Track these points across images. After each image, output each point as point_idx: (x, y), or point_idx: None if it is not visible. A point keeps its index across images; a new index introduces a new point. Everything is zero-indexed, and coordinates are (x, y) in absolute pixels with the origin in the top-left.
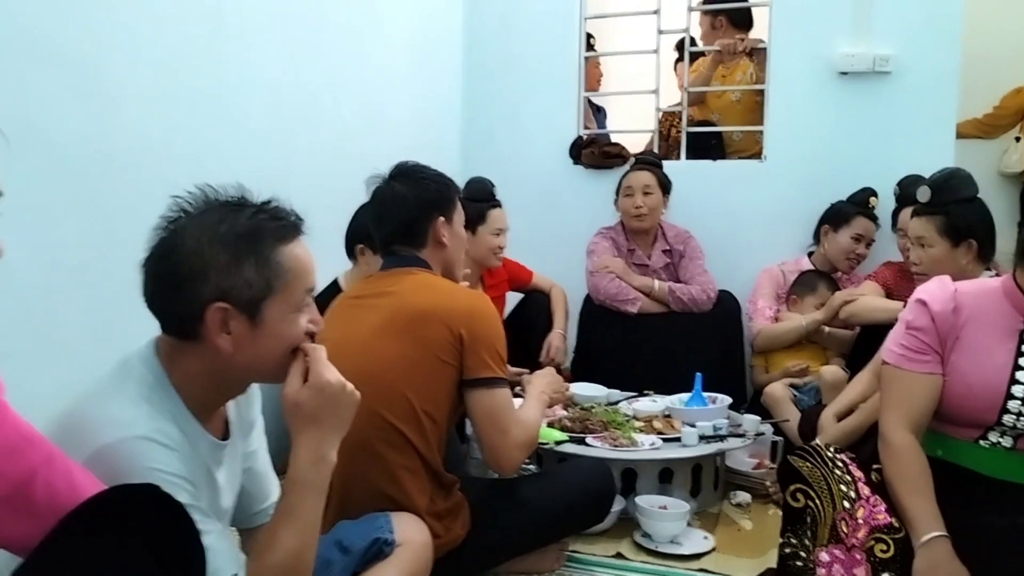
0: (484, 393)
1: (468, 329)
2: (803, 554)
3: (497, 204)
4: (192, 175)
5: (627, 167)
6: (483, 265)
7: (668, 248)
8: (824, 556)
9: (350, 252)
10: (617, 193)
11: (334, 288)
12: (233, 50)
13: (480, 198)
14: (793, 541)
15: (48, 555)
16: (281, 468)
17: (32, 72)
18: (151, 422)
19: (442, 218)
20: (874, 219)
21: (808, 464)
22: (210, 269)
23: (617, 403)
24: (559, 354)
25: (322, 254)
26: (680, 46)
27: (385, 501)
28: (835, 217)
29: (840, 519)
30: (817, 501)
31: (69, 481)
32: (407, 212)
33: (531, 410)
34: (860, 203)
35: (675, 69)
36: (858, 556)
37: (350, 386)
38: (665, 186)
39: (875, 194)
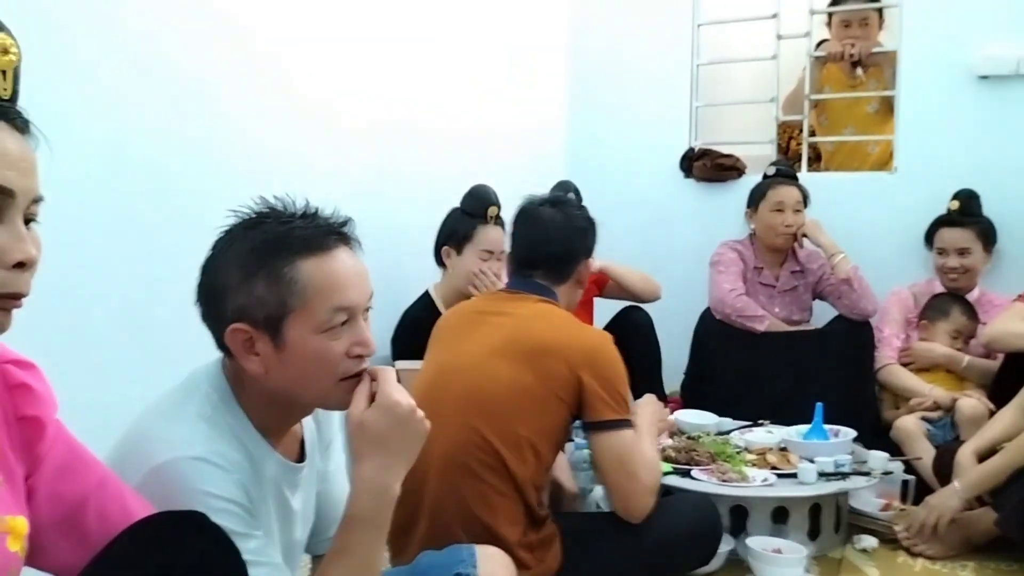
0: (611, 436)
1: (591, 370)
2: None
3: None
4: (294, 191)
5: (759, 178)
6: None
7: (799, 269)
8: None
9: (438, 257)
10: (753, 205)
11: (426, 299)
12: (338, 68)
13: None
14: None
15: None
16: None
17: (134, 87)
18: (209, 443)
19: (589, 260)
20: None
21: None
22: (227, 288)
23: (728, 433)
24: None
25: (420, 269)
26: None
27: (476, 526)
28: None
29: None
30: None
31: (122, 506)
32: (563, 244)
33: (651, 449)
34: (963, 211)
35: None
36: None
37: (420, 413)
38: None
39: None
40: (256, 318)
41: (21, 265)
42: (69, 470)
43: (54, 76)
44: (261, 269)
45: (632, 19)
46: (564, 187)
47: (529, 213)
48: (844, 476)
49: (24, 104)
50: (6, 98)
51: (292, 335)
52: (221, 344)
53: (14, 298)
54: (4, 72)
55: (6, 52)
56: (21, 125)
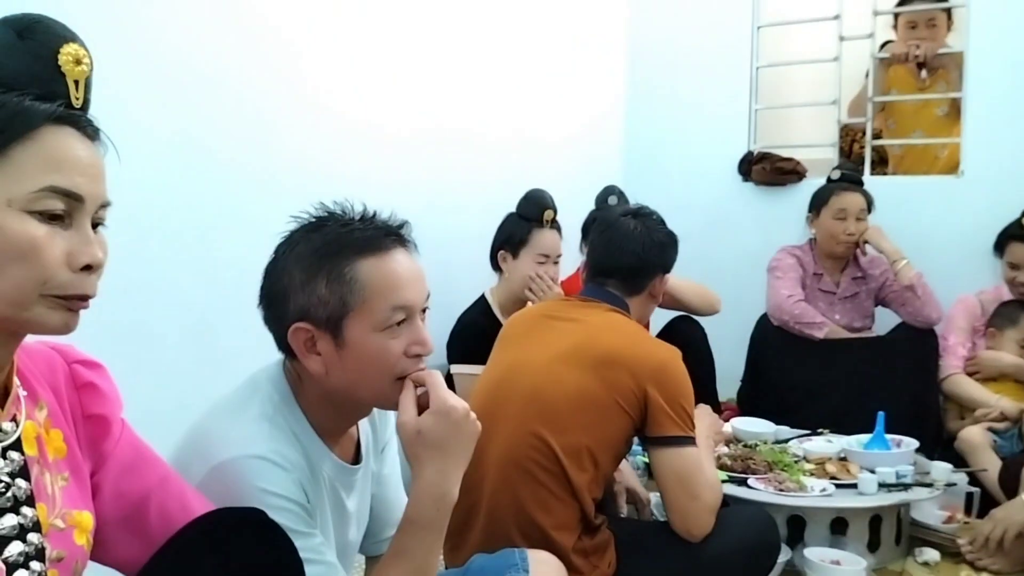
0: (672, 452)
1: (656, 385)
2: None
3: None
4: (345, 196)
5: (820, 182)
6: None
7: (861, 275)
8: None
9: (494, 261)
10: (815, 210)
11: (482, 304)
12: (384, 79)
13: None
14: None
15: None
16: None
17: (196, 98)
18: (270, 442)
19: (665, 276)
20: None
21: None
22: (289, 289)
23: (786, 441)
24: None
25: (474, 274)
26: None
27: (531, 528)
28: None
29: None
30: None
31: (182, 504)
32: (640, 256)
33: (711, 467)
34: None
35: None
36: None
37: (473, 415)
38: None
39: None
40: (318, 318)
41: (88, 268)
42: (132, 468)
43: (123, 84)
44: (322, 270)
45: (691, 21)
46: (609, 191)
47: (610, 222)
48: (906, 487)
49: (93, 111)
50: (78, 107)
51: (352, 334)
52: (283, 345)
53: (81, 299)
54: (77, 82)
55: (79, 63)
56: (91, 133)
